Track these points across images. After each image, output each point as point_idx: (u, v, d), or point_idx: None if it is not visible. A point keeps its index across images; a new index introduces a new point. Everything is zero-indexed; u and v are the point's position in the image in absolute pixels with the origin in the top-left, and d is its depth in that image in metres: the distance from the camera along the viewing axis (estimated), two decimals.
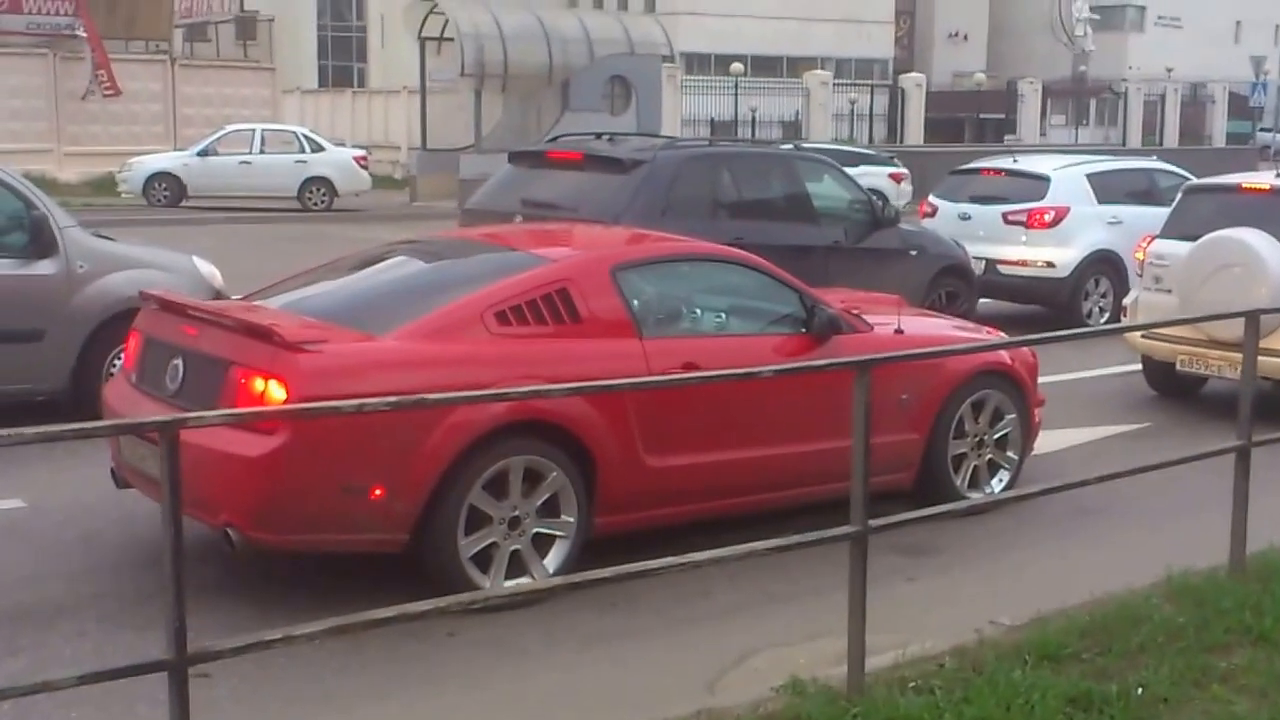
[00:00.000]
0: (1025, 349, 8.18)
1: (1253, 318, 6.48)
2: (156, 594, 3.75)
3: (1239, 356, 7.10)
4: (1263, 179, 11.33)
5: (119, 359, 8.44)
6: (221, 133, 29.97)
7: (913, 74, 50.55)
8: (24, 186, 9.40)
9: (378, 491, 5.78)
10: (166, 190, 28.62)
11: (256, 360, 5.75)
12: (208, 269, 10.13)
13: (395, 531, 5.89)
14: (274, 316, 6.25)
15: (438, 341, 6.12)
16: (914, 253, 13.09)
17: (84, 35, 32.91)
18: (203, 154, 29.12)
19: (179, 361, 6.18)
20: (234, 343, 5.93)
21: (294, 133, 30.91)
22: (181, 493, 3.77)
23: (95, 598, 6.09)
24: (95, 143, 33.05)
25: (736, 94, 42.02)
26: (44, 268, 9.16)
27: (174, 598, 3.78)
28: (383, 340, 6.05)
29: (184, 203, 28.49)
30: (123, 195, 28.86)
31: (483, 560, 6.05)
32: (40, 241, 9.15)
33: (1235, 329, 6.65)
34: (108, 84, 32.81)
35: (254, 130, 30.22)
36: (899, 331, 7.63)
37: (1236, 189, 11.17)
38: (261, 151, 29.45)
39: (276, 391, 5.62)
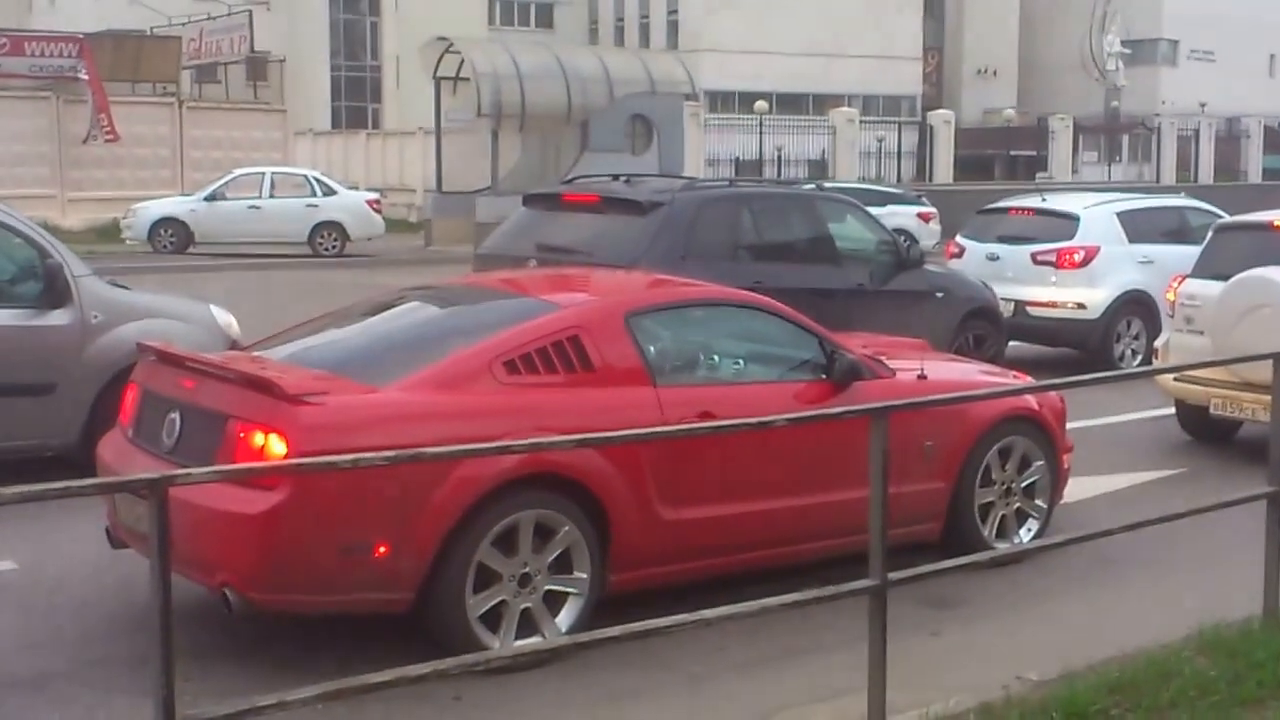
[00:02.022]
0: (1053, 394, 8.03)
1: None
2: (151, 658, 3.64)
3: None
4: None
5: None
6: (230, 177, 29.58)
7: (941, 111, 50.50)
8: (38, 234, 9.31)
9: (382, 549, 5.64)
10: (173, 236, 28.17)
11: (255, 414, 5.63)
12: (225, 318, 10.02)
13: (400, 591, 5.74)
14: (275, 368, 6.14)
15: (444, 392, 5.99)
16: (940, 295, 12.92)
17: (86, 78, 32.77)
18: (210, 199, 28.65)
19: (176, 415, 6.06)
20: (233, 396, 5.81)
21: (305, 176, 30.53)
22: (170, 553, 3.67)
23: (87, 663, 5.93)
24: (99, 188, 32.81)
25: (761, 132, 42.01)
26: (57, 318, 9.03)
27: (162, 663, 3.67)
28: (387, 392, 5.93)
29: (191, 249, 28.09)
30: (127, 242, 28.35)
31: (492, 619, 5.89)
32: (54, 291, 9.03)
33: (1267, 371, 6.47)
34: (108, 129, 32.63)
35: (263, 174, 29.74)
36: (922, 377, 7.49)
37: (1268, 227, 10.99)
38: (271, 196, 28.97)
39: (276, 446, 5.49)
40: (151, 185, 32.63)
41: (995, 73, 69.77)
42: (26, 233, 9.25)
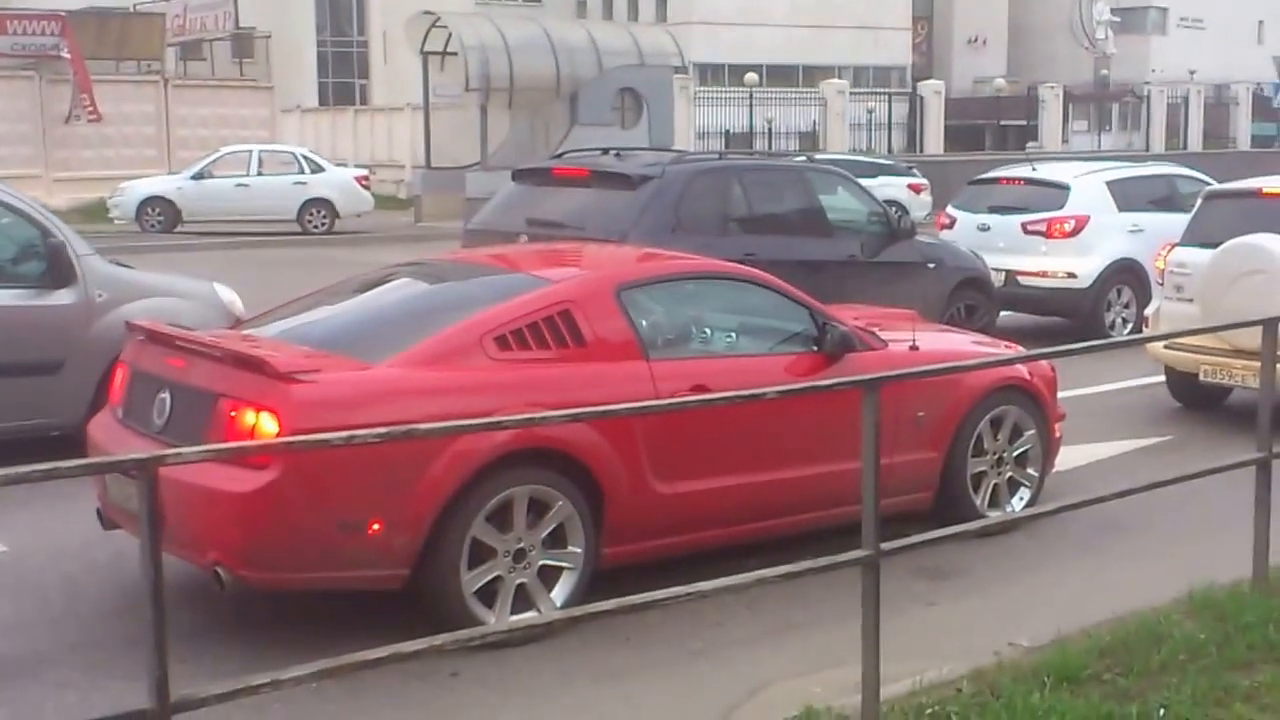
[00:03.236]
0: (1044, 363, 8.04)
1: (1271, 325, 6.34)
2: (144, 639, 3.64)
3: None
4: None
5: None
6: (217, 155, 29.36)
7: (931, 81, 50.38)
8: (41, 214, 9.32)
9: (376, 526, 5.64)
10: (160, 215, 27.95)
11: (246, 392, 5.62)
12: (229, 296, 10.00)
13: (395, 567, 5.74)
14: (265, 346, 6.12)
15: (436, 368, 5.99)
16: (932, 266, 12.92)
17: (68, 57, 32.42)
18: (198, 177, 28.42)
19: (166, 395, 6.04)
20: (223, 374, 5.80)
21: (293, 153, 30.33)
22: (162, 533, 3.63)
23: (80, 645, 5.91)
24: (85, 167, 32.41)
25: (751, 105, 41.88)
26: (62, 297, 9.03)
27: (155, 643, 3.65)
28: (379, 369, 5.92)
29: (179, 228, 27.90)
30: (114, 221, 28.02)
31: (487, 595, 5.91)
32: (58, 270, 9.03)
33: (1257, 337, 6.49)
34: (90, 108, 32.25)
35: (251, 151, 29.54)
36: (914, 348, 7.50)
37: (1256, 194, 11.00)
38: (259, 173, 28.78)
39: (268, 424, 5.48)
40: (138, 164, 32.21)
41: (985, 42, 69.55)
42: (29, 212, 9.26)
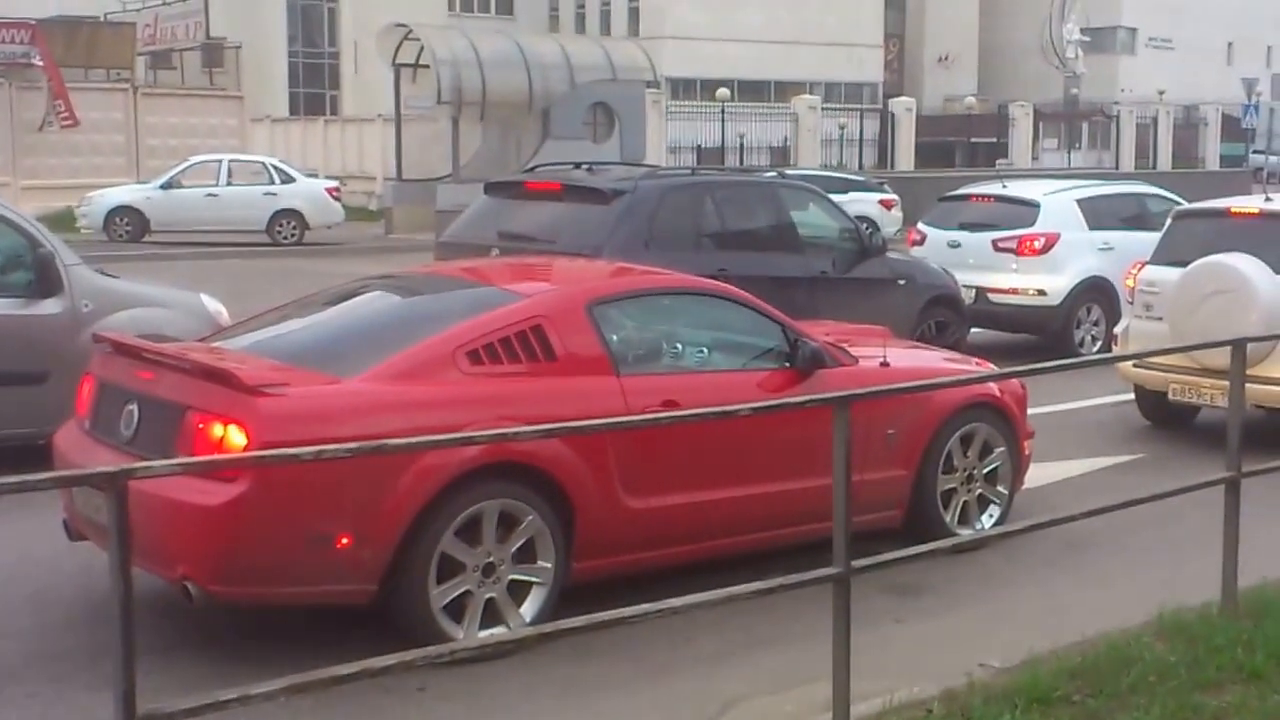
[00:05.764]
0: (1014, 380, 8.05)
1: (1239, 346, 6.38)
2: (111, 652, 3.61)
3: None
4: (1252, 203, 11.24)
5: None
6: (187, 164, 29.15)
7: (902, 98, 50.62)
8: (28, 223, 9.31)
9: (344, 540, 5.61)
10: (129, 225, 27.75)
11: (215, 405, 5.59)
12: (215, 306, 9.97)
13: (363, 582, 5.71)
14: (233, 359, 6.09)
15: (407, 383, 5.97)
16: (903, 282, 12.95)
17: (40, 64, 32.23)
18: (167, 186, 28.23)
19: (134, 407, 6.00)
20: (191, 387, 5.76)
21: (263, 163, 30.11)
22: (131, 547, 3.61)
23: (46, 657, 5.86)
24: (54, 175, 32.23)
25: (723, 120, 41.95)
26: (49, 307, 9.01)
27: (122, 657, 3.62)
28: (349, 382, 5.89)
29: (147, 238, 27.69)
30: (82, 231, 27.64)
31: (456, 610, 5.88)
32: (45, 280, 9.01)
33: (1225, 357, 6.52)
34: (65, 114, 32.02)
35: (221, 161, 29.40)
36: (885, 364, 7.50)
37: (1226, 214, 11.08)
38: (229, 183, 28.64)
39: (236, 438, 5.45)
40: (106, 173, 32.00)
41: (956, 60, 69.92)
42: (17, 222, 9.24)
